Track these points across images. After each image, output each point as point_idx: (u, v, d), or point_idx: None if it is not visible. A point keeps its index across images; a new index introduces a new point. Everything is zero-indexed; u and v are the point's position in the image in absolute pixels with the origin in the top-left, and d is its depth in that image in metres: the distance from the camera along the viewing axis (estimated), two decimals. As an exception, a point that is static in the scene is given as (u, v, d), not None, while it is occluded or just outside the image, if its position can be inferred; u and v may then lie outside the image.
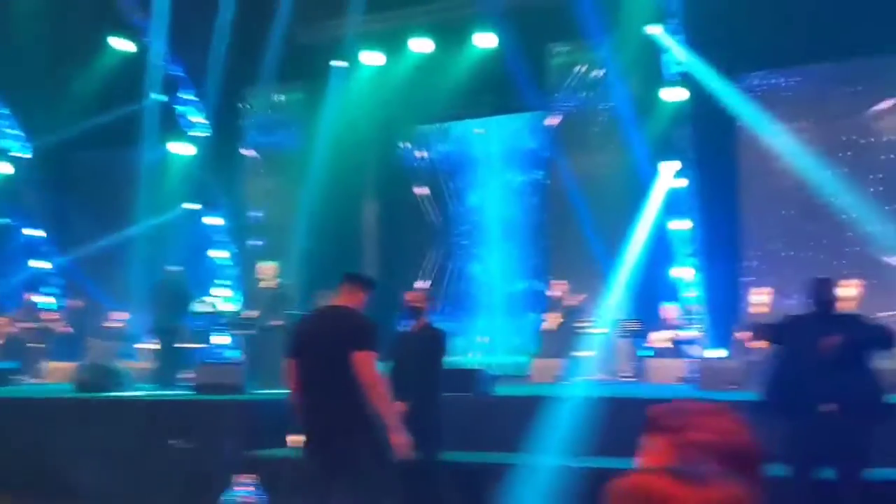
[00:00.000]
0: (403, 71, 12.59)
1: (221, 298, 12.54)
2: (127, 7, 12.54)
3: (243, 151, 13.85)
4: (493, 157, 13.33)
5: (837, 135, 11.35)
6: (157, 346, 10.33)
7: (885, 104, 11.17)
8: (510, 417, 6.99)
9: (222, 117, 13.38)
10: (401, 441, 4.50)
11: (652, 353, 10.16)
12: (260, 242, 13.39)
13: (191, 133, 13.50)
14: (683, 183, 11.35)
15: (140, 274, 12.07)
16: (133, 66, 12.87)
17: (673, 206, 11.35)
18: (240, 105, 13.88)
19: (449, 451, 6.07)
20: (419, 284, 13.13)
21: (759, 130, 11.08)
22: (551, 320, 10.46)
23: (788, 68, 11.61)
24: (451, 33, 12.07)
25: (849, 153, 11.23)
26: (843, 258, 10.74)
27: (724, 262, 11.37)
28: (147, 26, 12.47)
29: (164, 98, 13.08)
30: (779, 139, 10.95)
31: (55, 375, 10.75)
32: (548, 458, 5.95)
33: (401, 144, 13.98)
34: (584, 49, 11.88)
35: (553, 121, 12.60)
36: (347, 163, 12.44)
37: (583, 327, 10.04)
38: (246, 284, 12.49)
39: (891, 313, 9.25)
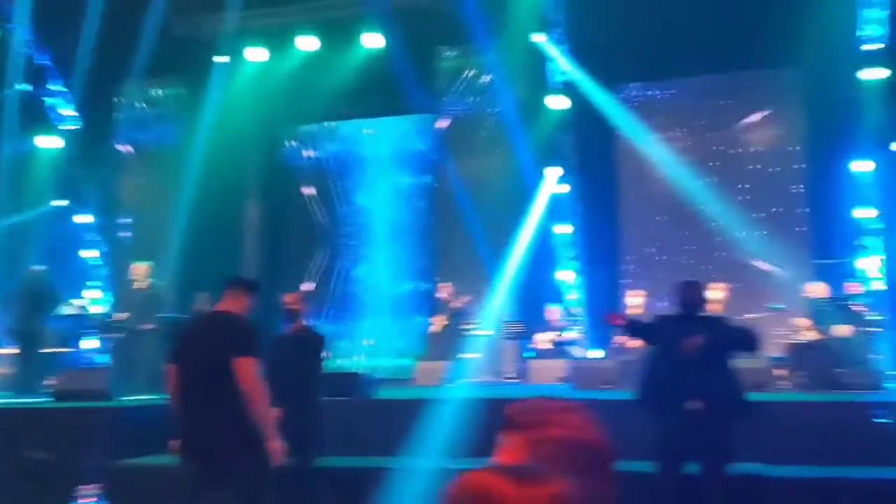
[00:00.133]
0: (289, 68, 12.35)
1: (91, 300, 11.90)
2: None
3: (118, 147, 13.20)
4: (382, 158, 13.27)
5: (709, 145, 11.92)
6: (17, 351, 9.69)
7: (753, 117, 11.81)
8: (392, 421, 6.92)
9: (94, 110, 12.69)
10: (276, 448, 4.39)
11: (535, 355, 10.34)
12: (132, 242, 12.80)
13: (60, 126, 12.75)
14: (566, 188, 11.64)
15: (0, 274, 11.29)
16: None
17: (556, 210, 11.62)
18: (114, 98, 13.23)
19: (328, 455, 5.95)
20: (304, 286, 12.93)
21: (636, 140, 11.49)
22: (437, 323, 10.48)
23: (664, 81, 12.12)
24: (338, 32, 11.93)
25: (719, 163, 11.80)
26: (712, 263, 11.27)
27: (604, 265, 11.73)
28: (10, 10, 11.67)
29: (30, 88, 12.28)
30: (654, 148, 11.41)
31: None
32: (427, 460, 5.92)
33: (287, 143, 13.70)
34: (472, 54, 12.01)
35: (442, 124, 12.66)
36: (229, 160, 12.08)
37: (468, 329, 10.11)
38: (117, 285, 11.91)
39: (755, 315, 9.78)
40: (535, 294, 11.29)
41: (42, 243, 11.85)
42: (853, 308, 9.15)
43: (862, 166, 10.58)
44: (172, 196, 12.01)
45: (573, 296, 11.51)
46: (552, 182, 11.54)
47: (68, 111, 12.67)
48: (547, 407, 1.62)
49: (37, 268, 10.26)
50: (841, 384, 8.17)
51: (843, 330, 8.70)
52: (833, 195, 10.82)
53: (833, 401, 7.56)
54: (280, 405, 5.01)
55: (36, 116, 12.43)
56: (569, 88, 11.46)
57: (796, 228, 11.39)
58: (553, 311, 10.75)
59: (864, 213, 10.54)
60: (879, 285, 10.29)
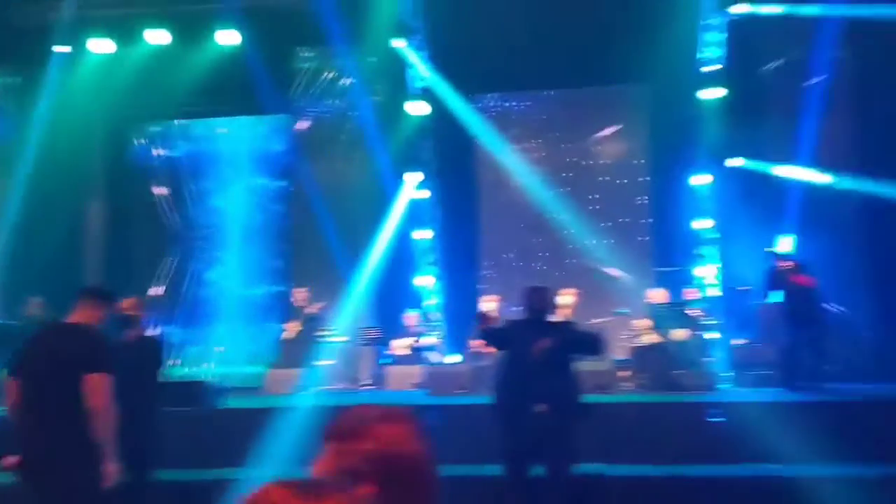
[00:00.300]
0: (137, 62, 11.70)
1: None
2: None
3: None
4: (237, 159, 12.85)
5: (562, 157, 12.33)
6: None
7: (606, 131, 12.29)
8: (237, 431, 6.68)
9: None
10: (110, 471, 4.20)
11: (391, 361, 10.30)
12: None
13: None
14: (426, 194, 11.69)
15: None
16: None
17: (416, 216, 11.65)
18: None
19: (166, 469, 5.65)
20: (153, 290, 12.34)
21: (493, 149, 11.72)
22: (291, 328, 10.24)
23: (520, 92, 12.41)
24: (190, 27, 11.42)
25: (571, 174, 12.22)
26: (564, 269, 11.65)
27: (463, 271, 11.88)
28: None
29: None
30: (511, 158, 11.66)
31: None
32: (270, 470, 5.73)
33: (136, 141, 13.03)
34: (332, 56, 11.84)
35: (300, 126, 12.41)
36: (69, 157, 11.32)
37: (323, 335, 9.94)
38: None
39: (603, 319, 10.19)
40: (393, 300, 11.27)
41: None
42: (690, 313, 9.69)
43: (700, 180, 11.23)
44: (2, 194, 11.13)
45: (432, 301, 11.57)
46: (411, 187, 11.57)
47: None
48: (365, 417, 1.58)
49: None
50: (678, 385, 8.64)
51: (680, 334, 9.19)
52: (674, 207, 11.44)
53: (671, 401, 7.96)
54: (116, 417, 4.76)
55: None
56: (428, 95, 11.53)
57: (640, 238, 11.96)
58: (411, 317, 10.75)
59: (702, 224, 11.20)
60: (715, 292, 10.96)
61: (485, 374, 8.02)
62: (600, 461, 6.59)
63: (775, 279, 8.84)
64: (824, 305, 9.17)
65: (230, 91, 11.77)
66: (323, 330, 9.99)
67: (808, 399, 7.76)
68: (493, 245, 12.28)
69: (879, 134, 10.02)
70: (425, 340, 10.69)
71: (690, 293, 10.28)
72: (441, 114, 11.53)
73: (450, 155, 11.87)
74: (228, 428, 6.98)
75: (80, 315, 4.44)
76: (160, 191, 12.97)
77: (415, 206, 11.63)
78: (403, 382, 9.70)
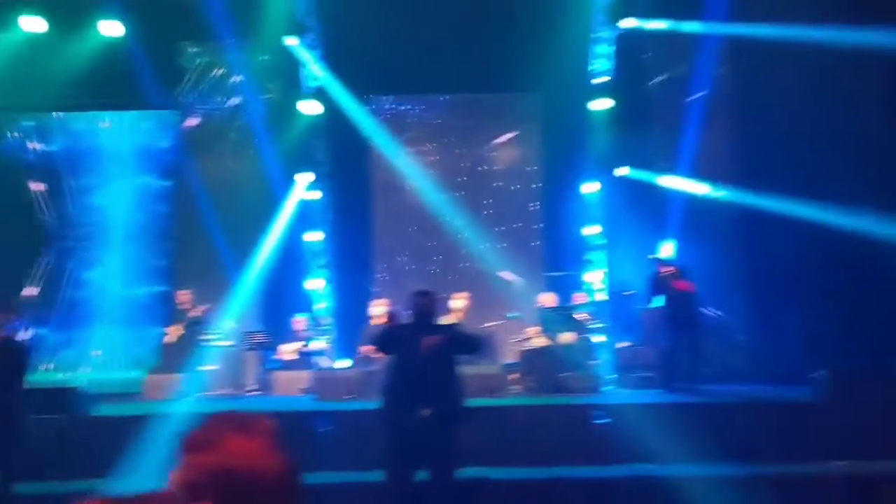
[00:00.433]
0: (11, 50, 11.01)
1: None
2: None
3: None
4: (120, 155, 12.27)
5: (457, 162, 12.39)
6: None
7: (502, 138, 12.42)
8: (107, 440, 6.34)
9: None
10: None
11: (279, 366, 10.07)
12: None
13: None
14: (317, 195, 11.50)
15: None
16: None
17: (307, 217, 11.43)
18: None
19: (28, 480, 5.30)
20: (26, 290, 11.65)
21: (387, 151, 11.65)
22: (173, 332, 9.84)
23: (415, 96, 12.40)
24: (70, 15, 10.84)
25: (466, 179, 12.29)
26: (458, 273, 11.69)
27: (355, 274, 11.74)
28: None
29: None
30: (405, 161, 11.62)
31: None
32: (140, 481, 5.46)
33: (9, 134, 12.26)
34: (222, 52, 11.48)
35: (189, 123, 11.98)
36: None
37: (207, 339, 9.60)
38: None
39: (495, 323, 10.28)
40: (282, 303, 11.02)
41: None
42: (578, 317, 9.89)
43: (590, 188, 11.51)
44: None
45: (322, 305, 11.38)
46: (303, 188, 11.35)
47: None
48: (219, 428, 1.48)
49: None
50: (564, 388, 8.80)
51: (567, 337, 9.37)
52: (564, 213, 11.68)
53: (556, 404, 8.09)
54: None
55: None
56: (322, 94, 11.34)
57: (532, 243, 12.15)
58: (300, 321, 10.54)
59: (591, 231, 11.48)
60: (602, 296, 11.24)
61: (374, 379, 7.92)
62: (486, 465, 6.62)
63: (657, 284, 9.13)
64: (703, 310, 9.54)
65: (113, 84, 11.24)
66: (207, 333, 9.64)
67: (685, 400, 8.04)
68: (387, 248, 12.21)
69: (757, 147, 10.52)
70: (314, 345, 10.50)
71: (579, 297, 10.51)
72: (334, 114, 11.37)
73: (343, 156, 11.71)
74: (99, 436, 6.62)
75: None
76: (36, 187, 12.26)
77: (306, 207, 11.41)
78: (291, 388, 9.49)
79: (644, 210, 11.12)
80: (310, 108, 11.33)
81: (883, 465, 6.31)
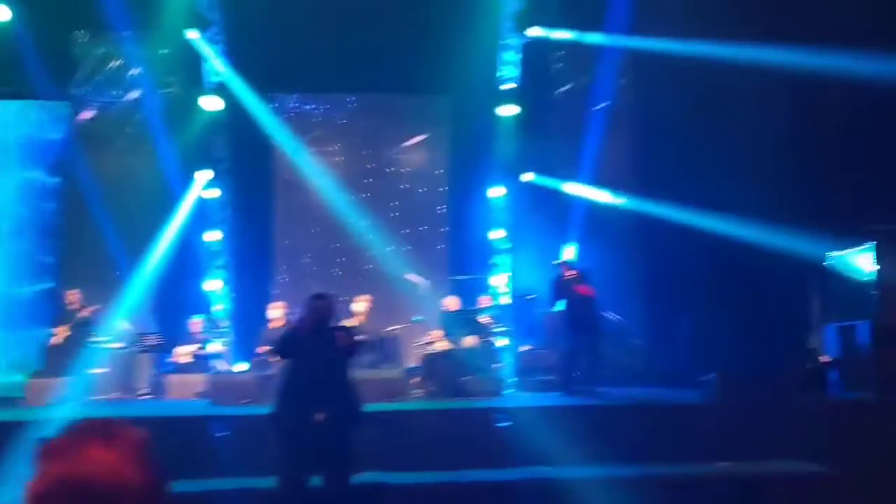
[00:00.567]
0: None
1: None
2: None
3: None
4: (6, 147, 11.59)
5: (362, 163, 12.26)
6: None
7: (410, 141, 12.36)
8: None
9: None
10: None
11: (173, 369, 9.72)
12: None
13: None
14: (216, 193, 11.16)
15: None
16: None
17: (205, 216, 11.08)
18: None
19: None
20: None
21: (290, 150, 11.42)
22: (60, 333, 9.34)
23: (320, 95, 12.21)
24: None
25: (372, 180, 12.18)
26: (362, 275, 11.55)
27: (256, 275, 11.46)
28: None
29: None
30: (310, 161, 11.42)
31: None
32: (15, 492, 5.13)
33: None
34: (120, 43, 11.00)
35: (83, 116, 11.43)
36: None
37: (96, 341, 9.15)
38: None
39: (398, 326, 10.20)
40: (177, 304, 10.64)
41: None
42: (481, 320, 9.93)
43: (496, 192, 11.60)
44: None
45: (219, 307, 11.03)
46: (201, 185, 11.00)
47: None
48: (82, 436, 1.38)
49: None
50: (466, 392, 8.80)
51: (469, 341, 9.38)
52: (470, 217, 11.74)
53: (457, 408, 8.08)
54: None
55: None
56: (223, 90, 11.01)
57: (438, 246, 12.15)
58: (196, 323, 10.19)
59: (496, 235, 11.57)
60: (506, 300, 11.33)
61: (271, 383, 7.71)
62: (386, 469, 6.53)
63: (560, 288, 9.26)
64: (602, 314, 9.73)
65: (1, 71, 10.64)
66: (96, 335, 9.19)
67: (582, 403, 8.16)
68: (288, 249, 11.98)
69: (656, 157, 10.83)
70: (211, 348, 10.18)
71: (484, 301, 10.55)
72: (236, 111, 11.07)
73: (243, 154, 11.41)
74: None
75: None
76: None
77: (204, 205, 11.06)
78: (185, 392, 9.18)
79: (548, 215, 11.29)
80: (211, 103, 10.97)
81: (767, 466, 6.55)
